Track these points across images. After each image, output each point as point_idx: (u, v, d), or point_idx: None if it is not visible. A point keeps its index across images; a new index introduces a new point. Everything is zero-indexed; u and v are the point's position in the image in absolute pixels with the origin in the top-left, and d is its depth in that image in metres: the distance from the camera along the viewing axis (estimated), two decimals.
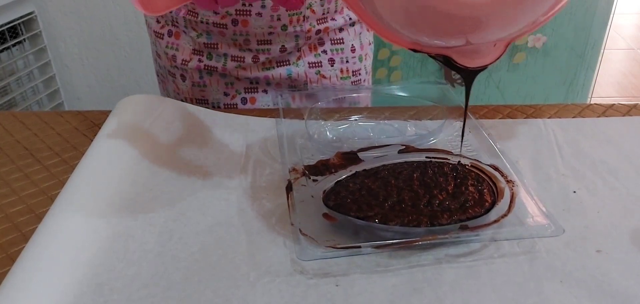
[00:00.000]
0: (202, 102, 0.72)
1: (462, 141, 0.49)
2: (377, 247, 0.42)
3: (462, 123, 0.48)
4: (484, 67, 0.41)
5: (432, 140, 0.56)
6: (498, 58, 0.40)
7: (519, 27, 0.37)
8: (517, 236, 0.44)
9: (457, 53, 0.40)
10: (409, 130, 0.61)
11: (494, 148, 0.52)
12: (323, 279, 0.40)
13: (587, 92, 1.66)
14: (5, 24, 1.49)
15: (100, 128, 0.57)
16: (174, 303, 0.38)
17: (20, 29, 1.56)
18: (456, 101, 0.61)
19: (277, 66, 0.70)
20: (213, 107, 0.71)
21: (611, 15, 1.53)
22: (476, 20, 0.35)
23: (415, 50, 0.40)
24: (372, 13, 0.37)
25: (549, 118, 0.63)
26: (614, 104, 0.66)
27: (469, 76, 0.42)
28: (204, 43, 0.68)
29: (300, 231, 0.42)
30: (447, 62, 0.40)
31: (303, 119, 0.58)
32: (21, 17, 1.54)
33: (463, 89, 0.45)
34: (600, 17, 1.53)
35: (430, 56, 0.41)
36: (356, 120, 0.62)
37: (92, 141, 0.55)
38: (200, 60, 0.69)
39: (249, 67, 0.69)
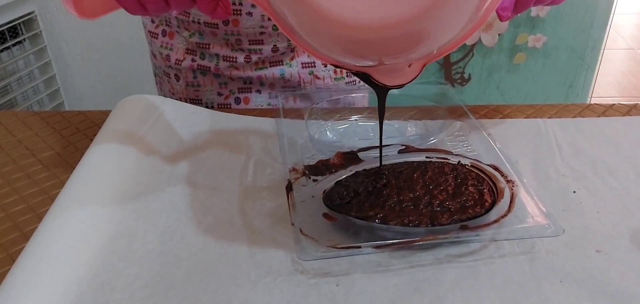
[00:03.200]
0: (196, 102, 0.72)
1: (381, 155, 0.50)
2: (378, 247, 0.42)
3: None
4: (401, 86, 0.43)
5: (432, 140, 0.56)
6: (415, 78, 0.42)
7: (423, 52, 0.39)
8: (517, 236, 0.44)
9: (376, 72, 0.42)
10: (409, 130, 0.61)
11: (494, 148, 0.52)
12: (324, 279, 0.40)
13: (587, 92, 1.66)
14: (6, 24, 1.49)
15: (101, 128, 0.57)
16: (175, 302, 0.38)
17: (21, 29, 1.56)
18: (456, 101, 0.61)
19: (270, 66, 0.70)
20: (207, 108, 0.71)
21: (611, 15, 1.53)
22: (377, 44, 0.36)
23: (336, 66, 0.42)
24: (293, 32, 0.39)
25: (549, 118, 0.63)
26: (614, 104, 0.67)
27: (383, 92, 0.45)
28: (197, 43, 0.68)
29: (301, 231, 0.42)
30: (366, 79, 0.42)
31: (303, 119, 0.58)
32: (21, 17, 1.54)
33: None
34: (600, 17, 1.53)
35: (352, 73, 0.43)
36: (356, 120, 0.62)
37: (92, 140, 0.55)
38: (193, 60, 0.69)
39: (242, 67, 0.69)
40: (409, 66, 0.41)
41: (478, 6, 0.35)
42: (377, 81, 0.42)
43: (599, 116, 0.64)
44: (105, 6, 0.44)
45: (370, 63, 0.41)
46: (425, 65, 0.42)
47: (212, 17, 0.46)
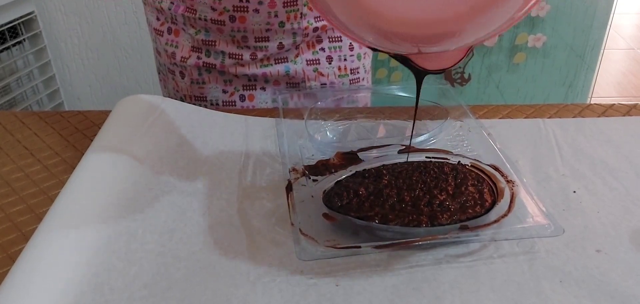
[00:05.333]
0: (200, 99, 0.72)
1: (411, 135, 0.49)
2: (377, 247, 0.42)
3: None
4: (442, 70, 0.41)
5: (432, 140, 0.56)
6: (458, 62, 0.40)
7: (468, 41, 0.37)
8: (517, 236, 0.44)
9: (415, 55, 0.40)
10: (409, 130, 0.61)
11: (494, 148, 0.52)
12: (323, 279, 0.40)
13: (587, 92, 1.66)
14: (5, 24, 1.49)
15: (100, 128, 0.57)
16: (174, 302, 0.38)
17: (20, 29, 1.56)
18: (456, 100, 0.61)
19: (275, 63, 0.70)
20: (212, 105, 0.71)
21: (611, 15, 1.53)
22: (414, 37, 0.35)
23: (374, 49, 0.40)
24: (328, 13, 0.38)
25: (548, 118, 0.63)
26: (614, 104, 0.67)
27: (421, 76, 0.43)
28: (202, 40, 0.68)
29: (301, 230, 0.42)
30: (405, 62, 0.40)
31: (303, 119, 0.58)
32: (21, 17, 1.54)
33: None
34: (600, 17, 1.53)
35: (390, 56, 0.41)
36: (356, 120, 0.62)
37: (92, 140, 0.55)
38: (198, 58, 0.69)
39: (247, 64, 0.69)
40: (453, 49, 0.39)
41: (521, 5, 0.34)
42: (417, 65, 0.40)
43: (599, 116, 0.64)
44: None
45: (409, 51, 0.39)
46: (469, 49, 0.39)
47: None
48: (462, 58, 0.40)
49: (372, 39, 0.38)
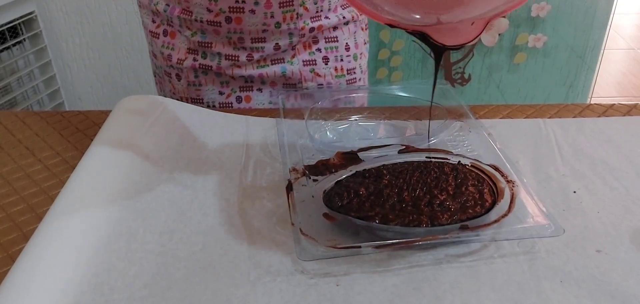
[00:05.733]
0: (197, 101, 0.72)
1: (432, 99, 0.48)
2: (378, 247, 0.42)
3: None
4: (461, 46, 0.40)
5: (432, 140, 0.56)
6: (476, 37, 0.39)
7: (495, 5, 0.36)
8: (517, 236, 0.44)
9: (434, 30, 0.39)
10: (409, 130, 0.61)
11: (494, 148, 0.52)
12: (323, 279, 0.40)
13: (587, 92, 1.66)
14: (6, 24, 1.49)
15: (100, 128, 0.57)
16: (174, 302, 0.38)
17: (21, 29, 1.56)
18: (456, 101, 0.61)
19: (272, 64, 0.70)
20: (208, 107, 0.71)
21: (611, 15, 1.53)
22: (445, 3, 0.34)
23: (392, 26, 0.40)
24: None
25: (549, 118, 0.63)
26: (614, 104, 0.67)
27: (440, 52, 0.42)
28: (199, 42, 0.68)
29: (301, 230, 0.42)
30: (423, 39, 0.40)
31: (303, 119, 0.58)
32: (21, 17, 1.54)
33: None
34: (600, 17, 1.53)
35: (408, 32, 0.40)
36: (356, 120, 0.62)
37: (92, 140, 0.55)
38: (195, 59, 0.69)
39: (244, 65, 0.69)
40: (472, 24, 0.38)
41: None
42: (436, 41, 0.39)
43: (599, 116, 0.64)
44: None
45: (428, 21, 0.38)
46: (487, 23, 0.38)
47: None
48: (482, 31, 0.38)
49: (389, 7, 0.37)
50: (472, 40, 0.39)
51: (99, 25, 1.71)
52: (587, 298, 0.39)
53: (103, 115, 0.61)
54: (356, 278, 0.40)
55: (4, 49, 1.52)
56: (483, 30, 0.39)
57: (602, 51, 1.59)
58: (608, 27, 1.55)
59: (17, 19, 1.53)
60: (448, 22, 0.38)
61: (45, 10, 1.67)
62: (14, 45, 1.55)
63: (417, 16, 0.38)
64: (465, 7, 0.35)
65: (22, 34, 1.57)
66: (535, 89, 1.64)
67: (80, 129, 0.61)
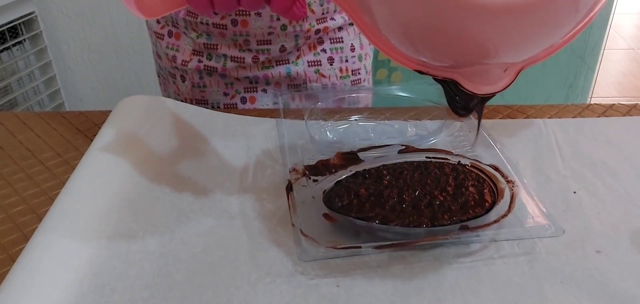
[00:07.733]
0: (201, 102, 0.72)
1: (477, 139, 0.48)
2: (378, 247, 0.42)
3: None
4: (492, 95, 0.39)
5: (432, 140, 0.56)
6: (508, 85, 0.38)
7: (533, 52, 0.36)
8: (517, 237, 0.44)
9: (465, 77, 0.38)
10: (409, 130, 0.61)
11: (494, 148, 0.52)
12: (324, 280, 0.40)
13: (587, 92, 1.66)
14: (6, 24, 1.49)
15: (101, 128, 0.57)
16: (175, 303, 0.38)
17: (21, 29, 1.56)
18: None
19: (277, 65, 0.70)
20: (213, 108, 0.71)
21: (611, 15, 1.53)
22: (483, 46, 0.34)
23: (421, 72, 0.39)
24: (376, 33, 0.37)
25: (549, 118, 0.63)
26: (614, 104, 0.67)
27: (479, 103, 0.41)
28: (204, 44, 0.68)
29: (301, 231, 0.42)
30: (454, 86, 0.39)
31: (303, 119, 0.58)
32: (22, 17, 1.54)
33: None
34: (600, 17, 1.53)
35: (437, 80, 0.40)
36: (356, 120, 0.62)
37: (93, 141, 0.55)
38: (200, 61, 0.69)
39: (249, 66, 0.69)
40: (504, 70, 0.38)
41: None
42: (466, 89, 0.39)
43: (599, 116, 0.64)
44: (168, 4, 0.42)
45: (463, 64, 0.37)
46: (520, 72, 0.38)
47: (286, 16, 0.41)
48: (513, 80, 0.38)
49: (430, 52, 0.36)
50: (503, 89, 0.39)
51: (99, 26, 1.71)
52: (587, 298, 0.39)
53: (104, 116, 0.61)
54: (357, 279, 0.40)
55: (4, 49, 1.52)
56: (515, 78, 0.38)
57: (602, 51, 1.59)
58: (608, 27, 1.55)
59: (18, 20, 1.53)
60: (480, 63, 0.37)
61: (46, 11, 1.67)
62: (14, 45, 1.55)
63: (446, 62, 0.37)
64: (503, 54, 0.35)
65: (23, 34, 1.57)
66: (535, 89, 1.64)
67: (81, 130, 0.61)
